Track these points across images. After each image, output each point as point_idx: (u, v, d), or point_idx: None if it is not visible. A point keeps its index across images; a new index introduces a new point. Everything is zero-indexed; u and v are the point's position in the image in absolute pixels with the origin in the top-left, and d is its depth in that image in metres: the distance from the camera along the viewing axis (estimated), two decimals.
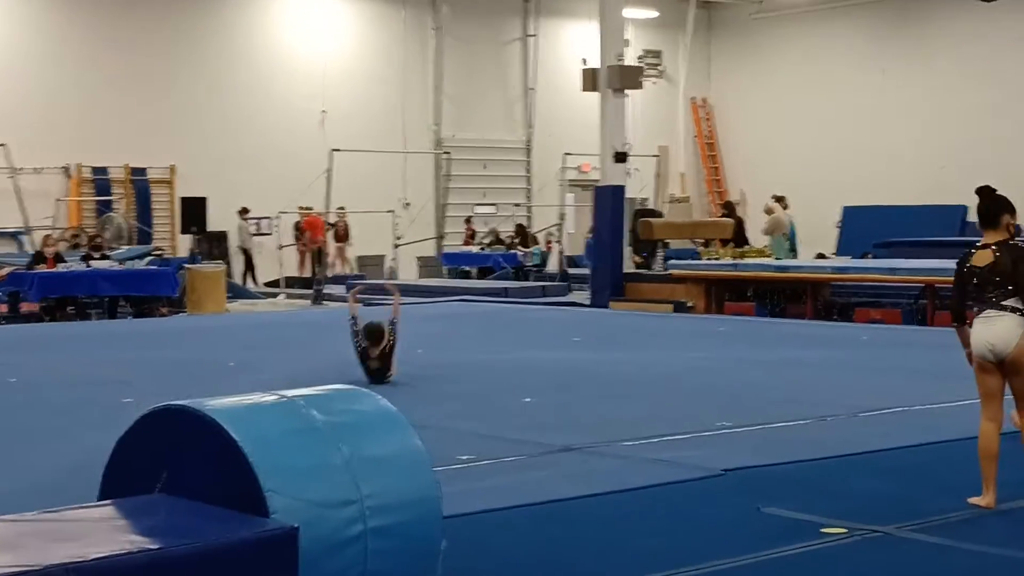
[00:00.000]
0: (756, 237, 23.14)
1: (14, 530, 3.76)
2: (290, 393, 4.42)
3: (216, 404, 4.24)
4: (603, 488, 6.34)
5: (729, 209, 22.44)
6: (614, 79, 19.31)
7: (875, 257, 20.82)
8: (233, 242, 26.82)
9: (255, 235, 26.82)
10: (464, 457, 7.13)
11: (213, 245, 25.78)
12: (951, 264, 17.55)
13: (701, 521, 5.72)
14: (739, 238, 21.46)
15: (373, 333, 10.20)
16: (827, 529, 5.43)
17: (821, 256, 24.94)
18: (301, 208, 26.45)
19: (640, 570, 4.88)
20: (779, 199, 22.07)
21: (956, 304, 6.23)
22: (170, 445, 4.21)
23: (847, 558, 5.04)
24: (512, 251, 27.10)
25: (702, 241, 21.61)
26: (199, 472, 4.11)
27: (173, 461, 4.19)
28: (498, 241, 27.80)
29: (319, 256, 25.19)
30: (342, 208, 26.66)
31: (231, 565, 3.64)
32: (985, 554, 5.04)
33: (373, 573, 4.10)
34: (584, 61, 20.84)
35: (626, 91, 19.81)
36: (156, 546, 3.56)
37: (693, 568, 4.89)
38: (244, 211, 26.39)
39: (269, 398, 4.39)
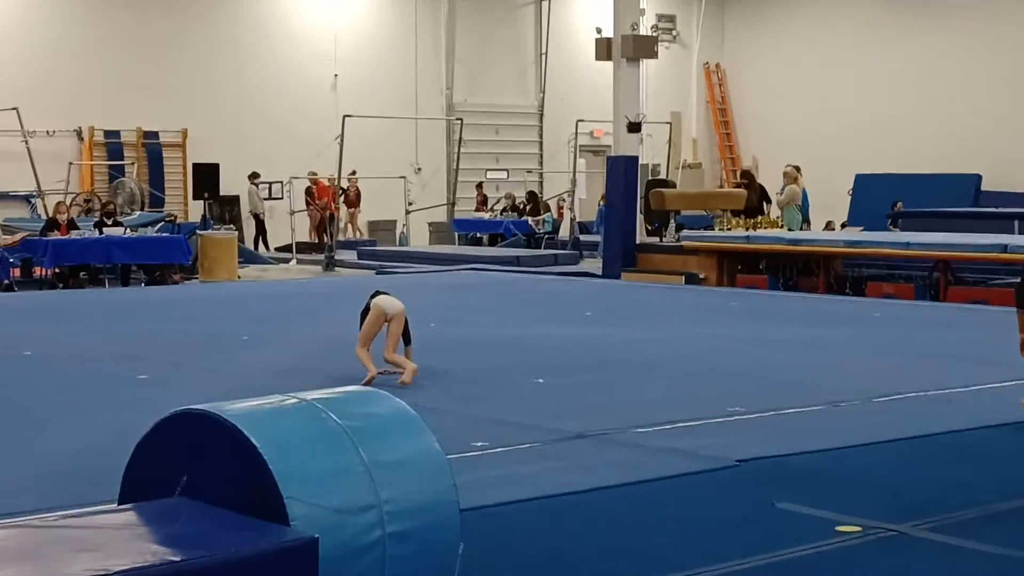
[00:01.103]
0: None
1: (37, 538, 3.78)
2: (309, 396, 4.44)
3: (236, 408, 4.26)
4: (617, 480, 6.35)
5: (748, 178, 22.29)
6: (628, 49, 19.22)
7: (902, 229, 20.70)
8: (245, 207, 26.86)
9: (266, 199, 26.85)
10: (478, 444, 7.16)
11: (225, 210, 25.81)
12: (965, 239, 17.53)
13: (715, 517, 5.74)
14: (759, 206, 21.37)
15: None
16: (842, 528, 5.45)
17: (831, 225, 24.94)
18: (311, 174, 26.50)
19: (653, 570, 4.90)
20: (795, 168, 22.04)
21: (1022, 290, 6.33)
22: (190, 449, 4.23)
23: (861, 560, 5.05)
24: (524, 218, 27.08)
25: (720, 211, 21.53)
26: (219, 477, 4.13)
27: (193, 465, 4.20)
28: (514, 207, 27.75)
29: (331, 222, 25.21)
30: (353, 173, 26.68)
31: None
32: (1002, 556, 5.05)
33: None
34: (599, 31, 20.72)
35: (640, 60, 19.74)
36: (177, 558, 3.58)
37: (707, 569, 4.91)
38: (255, 176, 26.38)
39: (289, 401, 4.40)
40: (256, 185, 26.54)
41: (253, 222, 26.82)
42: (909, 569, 4.92)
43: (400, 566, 4.13)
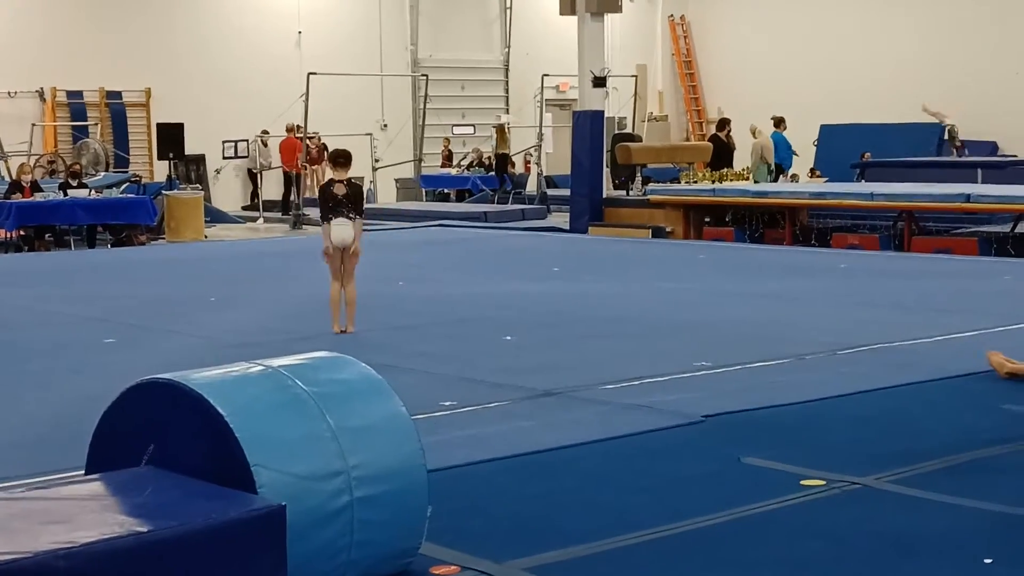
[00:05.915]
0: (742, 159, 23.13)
1: (4, 511, 3.77)
2: (275, 363, 4.44)
3: (202, 377, 4.26)
4: (584, 437, 6.39)
5: (726, 126, 22.27)
6: (592, 3, 19.16)
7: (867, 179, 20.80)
8: (211, 166, 26.73)
9: (231, 158, 26.69)
10: (447, 403, 7.18)
11: (190, 169, 25.65)
12: (928, 189, 17.64)
13: (682, 473, 5.78)
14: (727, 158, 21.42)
15: (340, 155, 10.01)
16: (807, 481, 5.50)
17: (792, 176, 25.00)
18: (292, 128, 26.33)
19: (621, 527, 4.94)
20: (778, 121, 22.14)
21: None
22: (156, 418, 4.23)
23: (826, 513, 5.10)
24: (491, 174, 26.97)
25: (686, 164, 21.56)
26: (186, 446, 4.14)
27: (160, 434, 4.21)
28: (480, 163, 27.63)
29: (297, 180, 25.07)
30: (316, 133, 26.51)
31: (219, 545, 3.67)
32: (965, 508, 5.11)
33: (360, 543, 4.15)
34: None
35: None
36: (145, 528, 3.59)
37: (674, 525, 4.95)
38: (264, 133, 26.20)
39: (254, 369, 4.40)
40: (265, 143, 26.39)
41: (247, 178, 26.73)
42: (873, 521, 4.97)
43: (368, 531, 4.16)
